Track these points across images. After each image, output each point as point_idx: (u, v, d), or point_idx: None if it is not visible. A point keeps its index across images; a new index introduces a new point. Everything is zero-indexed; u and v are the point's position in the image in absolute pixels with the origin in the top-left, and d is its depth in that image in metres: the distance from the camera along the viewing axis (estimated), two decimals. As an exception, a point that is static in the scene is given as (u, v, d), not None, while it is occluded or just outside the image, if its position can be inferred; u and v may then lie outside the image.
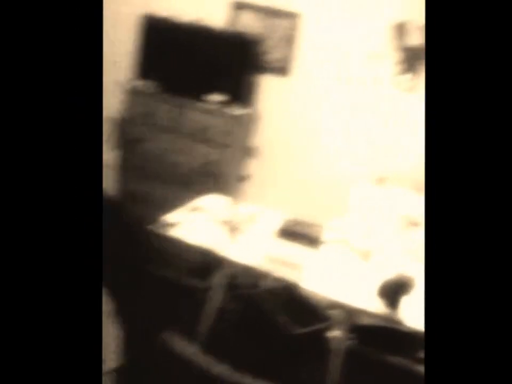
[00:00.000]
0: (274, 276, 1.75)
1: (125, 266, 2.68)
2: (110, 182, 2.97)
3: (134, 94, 2.74)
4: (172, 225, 1.87)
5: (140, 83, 2.77)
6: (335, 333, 2.12)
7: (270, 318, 2.55)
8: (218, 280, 2.29)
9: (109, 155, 2.94)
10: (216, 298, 2.31)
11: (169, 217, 1.94)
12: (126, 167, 2.87)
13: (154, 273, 2.89)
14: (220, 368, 2.11)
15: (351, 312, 1.94)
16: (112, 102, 3.03)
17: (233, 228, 1.89)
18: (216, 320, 2.33)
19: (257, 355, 2.25)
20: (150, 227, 1.90)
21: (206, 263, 2.60)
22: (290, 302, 2.66)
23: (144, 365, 1.96)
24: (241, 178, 2.94)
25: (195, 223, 1.96)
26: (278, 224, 2.06)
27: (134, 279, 2.70)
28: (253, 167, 2.91)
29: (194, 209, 2.10)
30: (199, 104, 2.60)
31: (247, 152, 2.88)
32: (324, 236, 2.05)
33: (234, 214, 2.03)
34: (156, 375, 2.03)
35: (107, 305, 1.52)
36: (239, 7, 2.75)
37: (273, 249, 1.87)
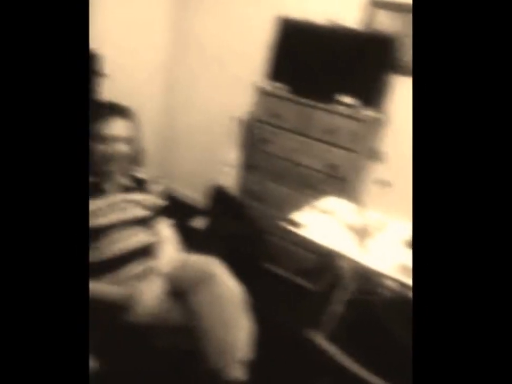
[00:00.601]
0: (400, 285, 1.66)
1: (248, 263, 2.77)
2: (234, 181, 3.08)
3: (263, 94, 2.80)
4: (298, 224, 1.87)
5: (270, 84, 2.83)
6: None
7: (387, 328, 2.46)
8: (340, 283, 2.25)
9: (234, 154, 3.05)
10: (337, 301, 2.28)
11: (295, 216, 1.94)
12: (251, 167, 2.96)
13: (274, 271, 2.95)
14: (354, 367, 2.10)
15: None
16: (241, 102, 3.14)
17: (360, 233, 1.84)
18: (336, 323, 2.30)
19: (371, 363, 2.17)
20: (278, 224, 1.93)
21: (329, 265, 2.57)
22: (409, 314, 2.53)
23: (273, 357, 2.02)
24: (369, 183, 2.84)
25: (322, 224, 1.95)
26: (408, 233, 1.95)
27: (256, 275, 2.77)
28: (381, 172, 2.80)
29: (321, 211, 2.08)
30: (329, 106, 2.57)
31: (375, 156, 2.78)
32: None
33: (362, 219, 1.97)
34: (284, 367, 2.09)
35: (243, 299, 1.56)
36: (375, 5, 2.67)
37: (402, 258, 1.78)
